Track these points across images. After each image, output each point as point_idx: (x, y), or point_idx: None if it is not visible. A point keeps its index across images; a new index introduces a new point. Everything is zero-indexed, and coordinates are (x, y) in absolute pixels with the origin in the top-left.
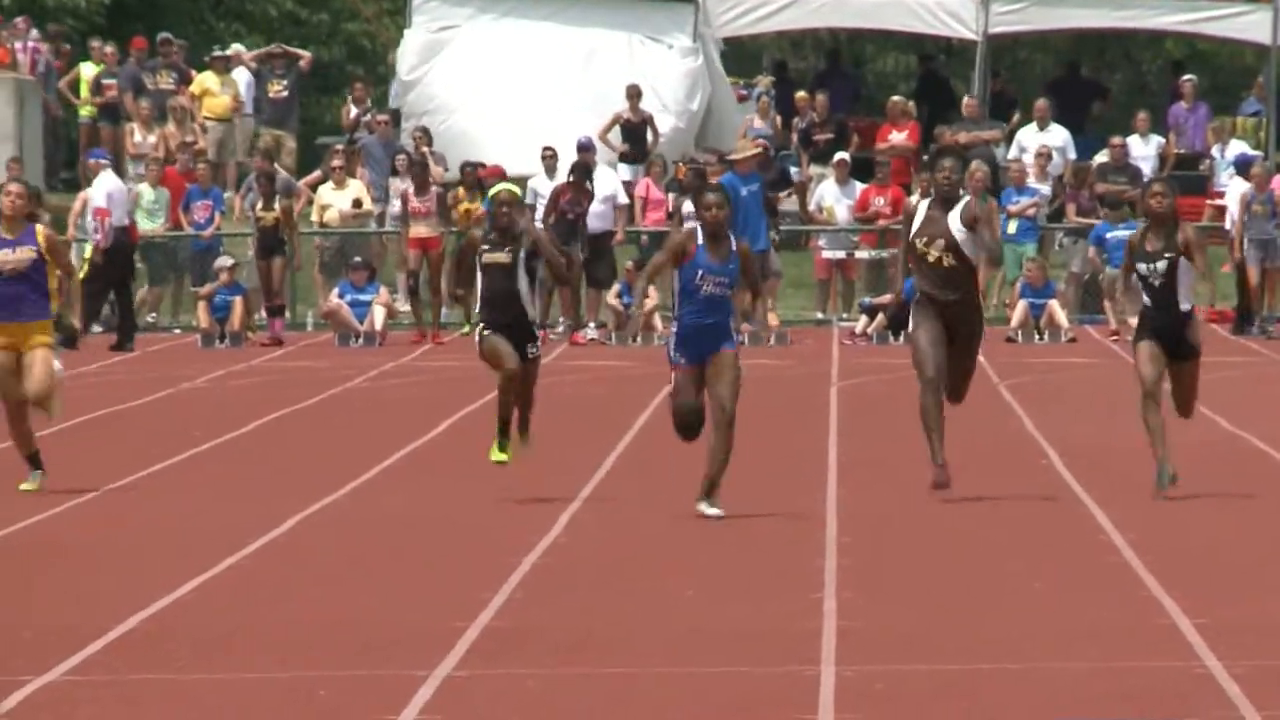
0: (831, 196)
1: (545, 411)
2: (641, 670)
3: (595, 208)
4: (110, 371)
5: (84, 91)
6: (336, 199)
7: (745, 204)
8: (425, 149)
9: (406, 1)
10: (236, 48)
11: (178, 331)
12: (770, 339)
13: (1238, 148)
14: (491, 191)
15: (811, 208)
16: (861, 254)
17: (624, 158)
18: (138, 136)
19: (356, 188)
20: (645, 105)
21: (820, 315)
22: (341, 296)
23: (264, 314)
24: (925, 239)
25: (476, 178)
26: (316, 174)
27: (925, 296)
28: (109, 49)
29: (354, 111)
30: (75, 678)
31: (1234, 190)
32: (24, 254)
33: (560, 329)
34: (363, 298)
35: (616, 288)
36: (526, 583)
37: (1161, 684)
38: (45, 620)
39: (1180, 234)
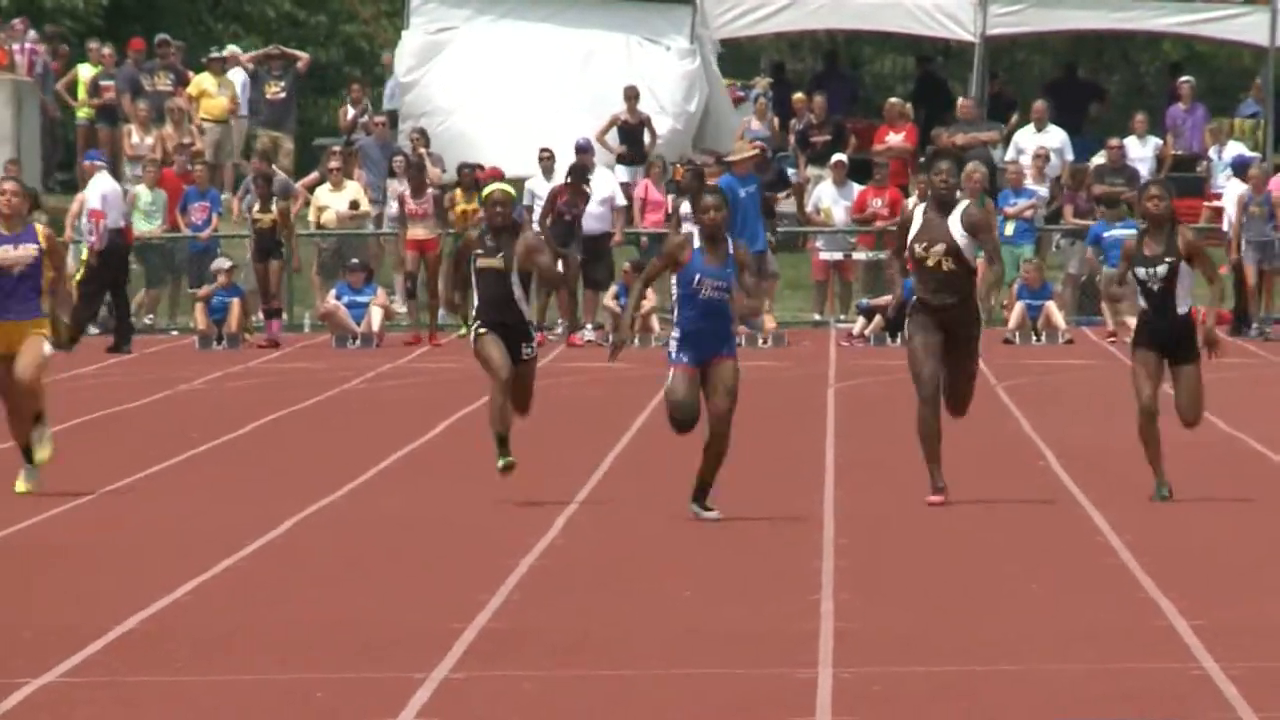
0: (829, 198)
1: (542, 413)
2: (639, 672)
3: (593, 209)
4: (108, 373)
5: (81, 93)
6: (334, 200)
7: (743, 205)
8: (423, 150)
9: (404, 3)
10: (232, 49)
11: (175, 333)
12: (767, 340)
13: (1235, 149)
14: (485, 192)
15: (809, 209)
16: (859, 255)
17: (621, 159)
18: (135, 138)
19: (354, 189)
20: (643, 107)
21: (818, 317)
22: (339, 298)
23: (261, 316)
24: (925, 243)
25: (474, 179)
26: (314, 175)
27: (921, 302)
28: (107, 50)
29: (351, 113)
30: (74, 679)
31: (1231, 192)
32: (27, 251)
33: (558, 330)
34: (360, 299)
35: (614, 289)
36: (524, 584)
37: (1159, 685)
38: (44, 621)
39: (1180, 239)
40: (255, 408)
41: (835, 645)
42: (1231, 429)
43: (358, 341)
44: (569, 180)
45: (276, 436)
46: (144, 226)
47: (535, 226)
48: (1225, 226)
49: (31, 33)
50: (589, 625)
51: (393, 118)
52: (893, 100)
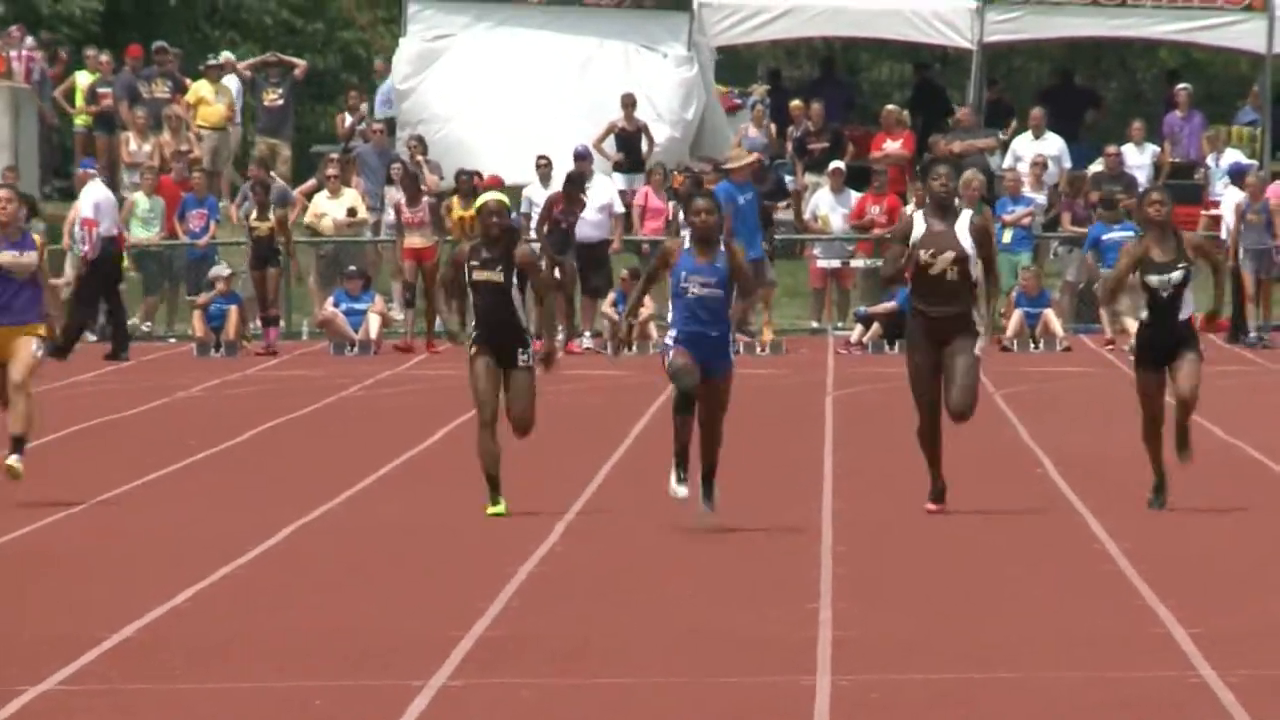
0: (826, 205)
1: (540, 420)
2: (637, 680)
3: (591, 216)
4: (105, 381)
5: (79, 100)
6: (331, 208)
7: (741, 212)
8: (420, 158)
9: (402, 10)
10: (226, 55)
11: (173, 341)
12: (765, 348)
13: (1232, 156)
14: (479, 202)
15: (806, 217)
16: (857, 263)
17: (618, 167)
18: (133, 145)
19: (351, 196)
20: (640, 114)
21: (815, 324)
22: (336, 305)
23: (259, 323)
24: (931, 251)
25: (473, 186)
26: (311, 182)
27: (918, 311)
28: (104, 57)
29: (349, 120)
30: (70, 687)
31: (1229, 199)
32: (30, 256)
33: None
34: (358, 306)
35: (612, 296)
36: (523, 592)
37: (1156, 693)
38: (40, 629)
39: (1187, 244)
40: (253, 415)
41: (834, 653)
42: (1229, 437)
43: (355, 349)
44: (565, 188)
45: (274, 444)
46: (142, 234)
47: (532, 234)
48: (1223, 234)
49: (29, 39)
50: (588, 633)
51: (390, 125)
52: (890, 107)
